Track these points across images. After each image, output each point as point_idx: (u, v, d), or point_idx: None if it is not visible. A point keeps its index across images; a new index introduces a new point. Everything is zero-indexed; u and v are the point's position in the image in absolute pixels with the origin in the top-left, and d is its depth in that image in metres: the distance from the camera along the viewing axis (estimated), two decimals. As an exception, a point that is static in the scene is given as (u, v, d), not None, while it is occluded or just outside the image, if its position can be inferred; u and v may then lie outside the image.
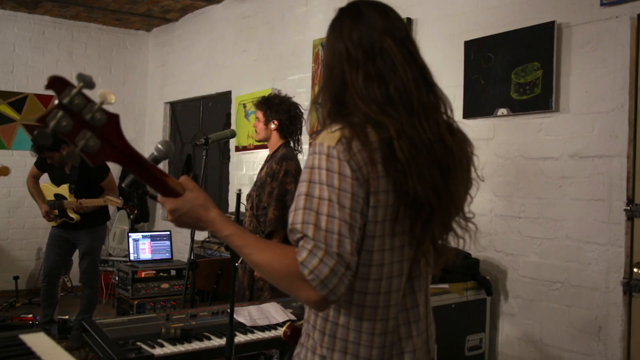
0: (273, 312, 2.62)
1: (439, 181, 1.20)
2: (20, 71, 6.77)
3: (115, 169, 5.32)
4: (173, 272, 4.95)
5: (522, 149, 3.47)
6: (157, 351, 2.11)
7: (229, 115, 6.20)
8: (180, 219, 1.21)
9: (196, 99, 6.85)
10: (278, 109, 3.37)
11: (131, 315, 3.70)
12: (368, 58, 1.24)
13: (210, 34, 6.45)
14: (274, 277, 1.17)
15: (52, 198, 4.63)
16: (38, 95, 6.79)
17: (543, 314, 3.34)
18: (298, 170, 3.26)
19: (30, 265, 6.77)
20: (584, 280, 3.15)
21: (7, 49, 6.71)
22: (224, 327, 2.38)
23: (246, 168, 5.78)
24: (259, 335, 2.41)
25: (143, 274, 4.82)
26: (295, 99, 3.55)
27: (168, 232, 5.32)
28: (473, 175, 1.34)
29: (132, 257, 5.05)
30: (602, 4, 3.08)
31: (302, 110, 3.45)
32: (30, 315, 5.14)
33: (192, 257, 3.22)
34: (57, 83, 0.98)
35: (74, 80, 1.00)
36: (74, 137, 1.02)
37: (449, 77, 3.76)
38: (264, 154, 3.65)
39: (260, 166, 3.58)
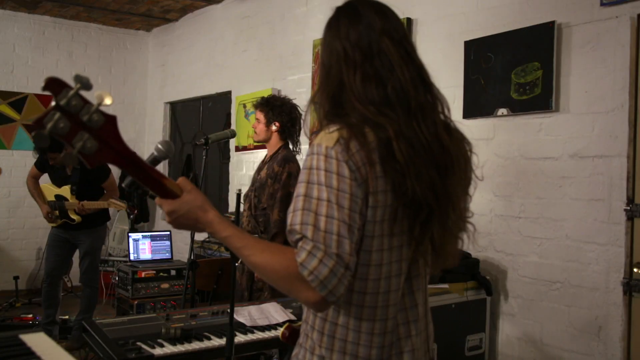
0: (273, 312, 2.62)
1: (437, 181, 1.20)
2: (20, 71, 6.77)
3: (115, 169, 5.31)
4: (173, 272, 4.95)
5: (522, 149, 3.47)
6: (157, 351, 2.11)
7: (229, 115, 6.20)
8: (178, 221, 1.21)
9: (196, 99, 6.85)
10: (280, 111, 3.37)
11: (131, 315, 3.70)
12: (366, 59, 1.24)
13: (210, 34, 6.45)
14: (273, 278, 1.16)
15: (53, 199, 4.63)
16: (38, 95, 6.79)
17: (543, 314, 3.34)
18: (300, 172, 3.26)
19: (30, 265, 6.77)
20: (584, 280, 3.15)
21: (7, 49, 6.72)
22: (224, 327, 2.38)
23: (246, 168, 5.77)
24: (259, 335, 2.41)
25: (143, 274, 4.82)
26: (295, 99, 3.55)
27: (168, 232, 5.31)
28: (473, 173, 1.34)
29: (132, 257, 5.05)
30: (602, 4, 3.08)
31: (301, 112, 3.46)
32: (30, 315, 5.15)
33: (192, 257, 3.22)
34: (54, 84, 0.97)
35: (72, 81, 1.00)
36: (71, 138, 1.01)
37: (449, 77, 3.76)
38: (264, 154, 3.65)
39: (257, 167, 3.59)
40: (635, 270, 2.95)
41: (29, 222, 6.72)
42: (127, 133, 7.33)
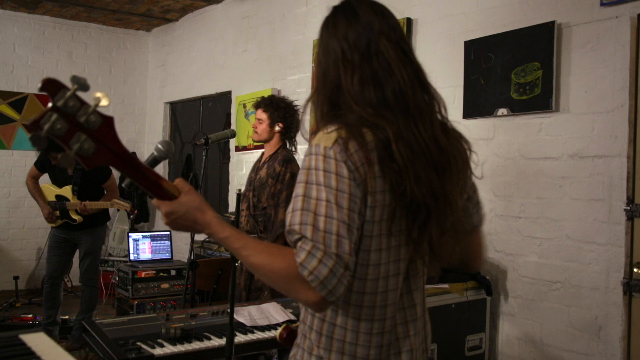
0: (273, 312, 2.62)
1: (436, 183, 1.20)
2: (20, 71, 6.77)
3: (115, 170, 5.31)
4: (173, 272, 4.96)
5: (522, 149, 3.46)
6: (157, 351, 2.11)
7: (229, 115, 6.20)
8: (176, 222, 1.20)
9: (196, 99, 6.85)
10: (285, 112, 3.38)
11: (131, 315, 3.70)
12: (364, 60, 1.23)
13: (210, 34, 6.45)
14: (272, 279, 1.16)
15: (53, 199, 4.63)
16: (38, 95, 6.79)
17: (543, 314, 3.34)
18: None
19: (30, 265, 6.77)
20: (584, 280, 3.15)
21: (7, 49, 6.72)
22: (224, 327, 2.38)
23: (246, 168, 5.77)
24: (259, 335, 2.42)
25: (143, 274, 4.82)
26: (295, 99, 3.55)
27: (168, 232, 5.31)
28: (472, 173, 1.34)
29: (132, 257, 5.05)
30: (602, 4, 3.08)
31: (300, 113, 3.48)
32: (30, 315, 5.15)
33: (192, 257, 3.22)
34: (51, 85, 0.97)
35: (70, 82, 0.99)
36: (68, 140, 1.01)
37: (449, 77, 3.76)
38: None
39: (252, 166, 3.59)
40: (635, 270, 2.94)
41: (29, 222, 6.72)
42: (127, 133, 7.33)
